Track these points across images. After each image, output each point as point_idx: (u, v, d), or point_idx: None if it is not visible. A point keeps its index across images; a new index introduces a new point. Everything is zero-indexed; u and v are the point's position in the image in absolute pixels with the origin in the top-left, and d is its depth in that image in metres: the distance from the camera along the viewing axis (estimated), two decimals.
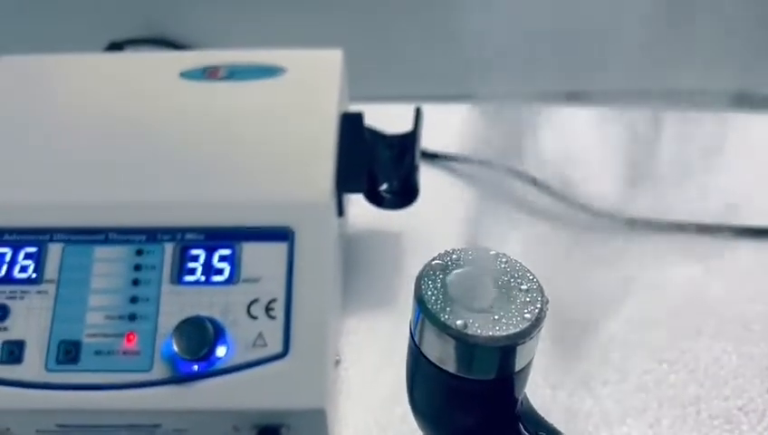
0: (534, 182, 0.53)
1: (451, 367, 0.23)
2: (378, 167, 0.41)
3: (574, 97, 0.54)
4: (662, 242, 0.50)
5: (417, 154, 0.41)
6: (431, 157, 0.57)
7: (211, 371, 0.33)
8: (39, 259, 0.35)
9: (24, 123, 0.42)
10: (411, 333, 0.24)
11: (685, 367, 0.42)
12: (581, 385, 0.41)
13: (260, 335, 0.34)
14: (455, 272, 0.23)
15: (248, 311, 0.34)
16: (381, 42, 0.61)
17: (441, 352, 0.23)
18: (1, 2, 0.60)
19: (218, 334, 0.33)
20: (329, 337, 0.34)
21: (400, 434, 0.38)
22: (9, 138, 0.41)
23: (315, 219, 0.36)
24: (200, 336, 0.33)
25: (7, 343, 0.34)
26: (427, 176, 0.56)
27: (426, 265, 0.23)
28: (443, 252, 0.23)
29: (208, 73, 0.44)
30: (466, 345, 0.21)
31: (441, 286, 0.22)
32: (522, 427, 0.25)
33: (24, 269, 0.35)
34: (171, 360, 0.33)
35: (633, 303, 0.45)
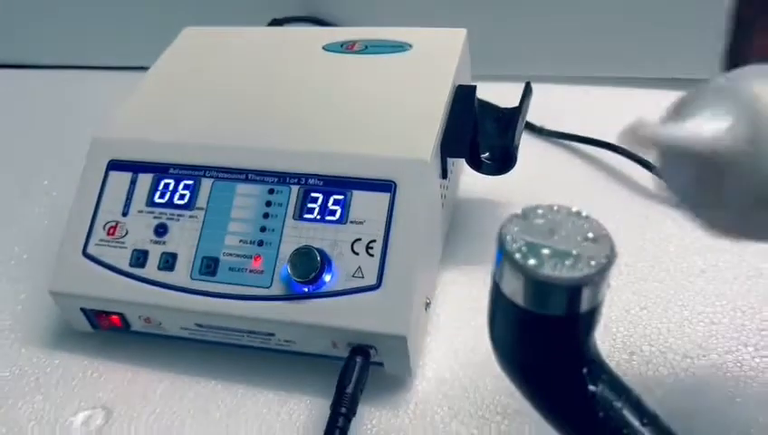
0: (649, 167, 0.54)
1: (522, 301, 0.25)
2: (482, 136, 0.45)
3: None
4: None
5: (520, 126, 0.45)
6: (548, 133, 0.60)
7: (317, 292, 0.39)
8: (194, 190, 0.43)
9: (195, 80, 0.50)
10: (493, 272, 0.27)
11: None
12: None
13: (359, 269, 0.39)
14: (535, 221, 0.26)
15: (352, 247, 0.40)
16: (511, 24, 0.64)
17: (514, 288, 0.25)
18: None
19: (326, 264, 0.39)
20: (417, 278, 0.39)
21: (479, 375, 0.42)
22: (182, 91, 0.49)
23: (416, 175, 0.40)
24: (310, 263, 0.39)
25: (164, 253, 0.42)
26: (544, 152, 0.59)
27: (512, 214, 0.26)
28: (527, 206, 0.26)
29: (346, 47, 0.51)
30: (535, 282, 0.24)
31: (520, 232, 0.25)
32: (586, 370, 0.27)
33: (181, 197, 0.43)
34: (287, 281, 0.40)
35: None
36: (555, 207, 0.26)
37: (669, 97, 0.28)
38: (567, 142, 0.59)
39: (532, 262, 0.24)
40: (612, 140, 0.56)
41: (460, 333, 0.45)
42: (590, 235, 0.25)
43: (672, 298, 0.46)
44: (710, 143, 0.25)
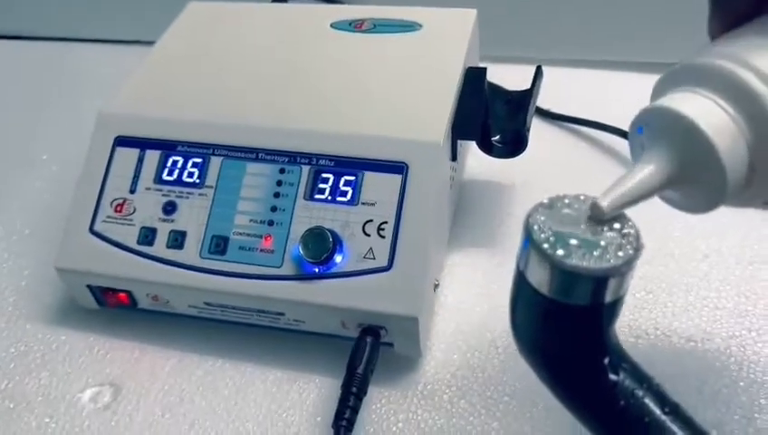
0: None
1: (547, 291, 0.25)
2: (493, 119, 0.45)
3: None
4: None
5: (531, 110, 0.45)
6: (555, 117, 0.60)
7: (328, 273, 0.39)
8: (203, 168, 0.43)
9: (202, 56, 0.50)
10: (517, 260, 0.27)
11: None
12: None
13: (370, 250, 0.40)
14: (562, 211, 0.26)
15: (363, 229, 0.40)
16: (520, 7, 0.64)
17: (540, 278, 0.25)
18: None
19: (337, 244, 0.39)
20: (428, 259, 0.39)
21: (486, 356, 0.43)
22: (189, 67, 0.49)
23: (427, 157, 0.40)
24: (322, 244, 0.39)
25: (173, 232, 0.42)
26: (550, 136, 0.59)
27: (537, 203, 0.26)
28: (554, 195, 0.27)
29: (355, 25, 0.51)
30: (562, 272, 0.24)
31: (547, 221, 0.25)
32: (608, 360, 0.27)
33: (190, 175, 0.43)
34: (298, 261, 0.40)
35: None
36: (582, 197, 0.26)
37: None
38: (573, 126, 0.59)
39: (560, 252, 0.24)
40: (620, 124, 0.56)
41: (467, 315, 0.45)
42: (617, 225, 0.25)
43: (677, 283, 0.46)
44: (647, 187, 0.27)
